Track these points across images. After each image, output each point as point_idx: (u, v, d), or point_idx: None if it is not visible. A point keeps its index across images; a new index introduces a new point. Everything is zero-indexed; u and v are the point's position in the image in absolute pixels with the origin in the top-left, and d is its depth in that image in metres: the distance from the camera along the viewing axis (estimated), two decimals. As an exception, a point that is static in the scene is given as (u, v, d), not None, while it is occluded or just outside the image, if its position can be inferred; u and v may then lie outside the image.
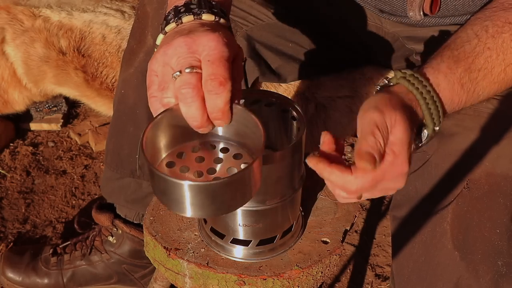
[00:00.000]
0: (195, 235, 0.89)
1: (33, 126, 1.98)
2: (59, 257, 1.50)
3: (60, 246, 1.52)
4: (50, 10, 1.68)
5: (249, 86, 1.18)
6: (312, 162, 0.73)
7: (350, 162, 0.74)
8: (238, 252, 0.86)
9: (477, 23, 0.86)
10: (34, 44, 1.67)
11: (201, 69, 0.70)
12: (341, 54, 1.27)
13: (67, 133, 1.98)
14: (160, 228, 0.90)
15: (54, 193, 1.80)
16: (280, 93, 1.04)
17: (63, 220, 1.72)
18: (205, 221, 0.88)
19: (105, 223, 1.42)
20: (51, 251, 1.51)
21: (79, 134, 1.95)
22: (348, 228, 0.91)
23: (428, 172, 0.99)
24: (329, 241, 0.89)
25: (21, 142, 1.94)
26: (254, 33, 1.19)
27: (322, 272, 0.87)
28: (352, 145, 1.96)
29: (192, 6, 0.77)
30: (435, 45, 1.12)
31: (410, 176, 0.78)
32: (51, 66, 1.69)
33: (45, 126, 1.98)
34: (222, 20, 0.78)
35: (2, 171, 1.84)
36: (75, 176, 1.85)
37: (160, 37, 0.78)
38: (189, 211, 0.69)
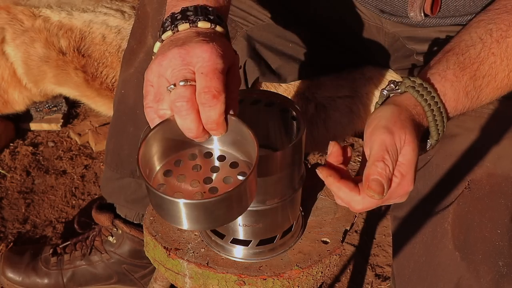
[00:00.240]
0: (195, 235, 0.89)
1: (33, 126, 1.98)
2: (59, 257, 1.50)
3: (60, 246, 1.52)
4: (50, 10, 1.68)
5: (249, 86, 1.18)
6: (323, 174, 0.76)
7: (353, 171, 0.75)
8: (238, 252, 0.85)
9: (481, 25, 0.85)
10: (34, 44, 1.67)
11: (195, 81, 0.70)
12: (341, 54, 1.27)
13: (67, 133, 1.98)
14: (160, 228, 0.90)
15: (54, 193, 1.80)
16: (280, 93, 1.04)
17: (63, 220, 1.72)
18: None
19: (105, 223, 1.42)
20: (51, 251, 1.51)
21: (79, 134, 1.95)
22: (348, 228, 0.91)
23: (429, 172, 0.99)
24: (329, 241, 0.89)
25: (21, 142, 1.94)
26: (254, 33, 1.19)
27: (322, 272, 0.87)
28: (352, 145, 1.96)
29: (188, 13, 0.78)
30: (435, 45, 1.12)
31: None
32: (51, 66, 1.69)
33: (45, 126, 1.98)
34: (218, 28, 0.78)
35: (2, 171, 1.84)
36: (75, 176, 1.85)
37: (157, 45, 0.79)
38: (185, 225, 0.70)
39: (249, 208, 0.81)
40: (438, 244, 0.93)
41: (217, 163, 0.77)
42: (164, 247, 0.87)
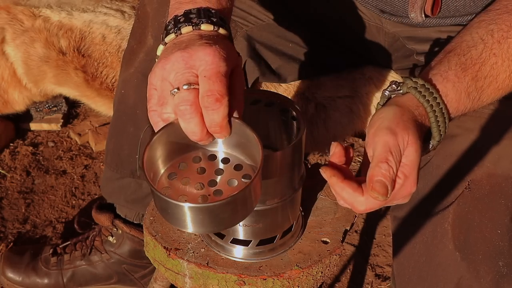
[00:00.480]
0: (195, 235, 0.89)
1: (33, 126, 1.98)
2: (59, 257, 1.50)
3: (60, 246, 1.52)
4: (50, 10, 1.68)
5: (249, 86, 1.18)
6: (326, 174, 0.76)
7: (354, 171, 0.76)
8: (238, 252, 0.85)
9: (482, 26, 0.85)
10: (34, 44, 1.67)
11: (198, 84, 0.71)
12: (341, 54, 1.27)
13: (67, 133, 1.98)
14: (160, 228, 0.90)
15: (54, 193, 1.80)
16: (280, 93, 1.04)
17: (63, 220, 1.72)
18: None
19: (105, 223, 1.42)
20: (51, 251, 1.51)
21: (79, 134, 1.95)
22: (348, 228, 0.91)
23: (429, 173, 0.99)
24: (329, 241, 0.89)
25: (21, 142, 1.94)
26: (254, 33, 1.19)
27: (322, 272, 0.87)
28: (352, 145, 1.96)
29: (191, 16, 0.78)
30: (435, 45, 1.12)
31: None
32: (51, 66, 1.69)
33: (45, 126, 1.98)
34: (221, 30, 0.78)
35: (2, 171, 1.84)
36: (75, 176, 1.85)
37: (160, 48, 0.79)
38: (190, 228, 0.71)
39: (249, 208, 0.82)
40: (438, 244, 0.93)
41: (221, 166, 0.77)
42: (164, 247, 0.87)
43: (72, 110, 2.04)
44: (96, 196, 1.78)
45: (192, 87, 0.70)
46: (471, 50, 0.83)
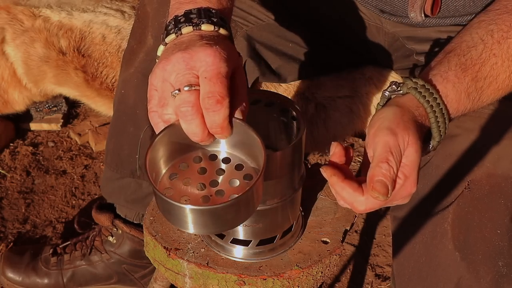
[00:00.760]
0: (195, 235, 0.89)
1: (33, 126, 1.98)
2: (59, 257, 1.50)
3: (60, 246, 1.52)
4: (50, 10, 1.68)
5: (249, 86, 1.18)
6: (327, 173, 0.76)
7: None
8: (238, 252, 0.85)
9: (481, 26, 0.85)
10: (34, 44, 1.67)
11: (199, 85, 0.71)
12: (341, 54, 1.27)
13: (67, 133, 1.98)
14: (160, 228, 0.90)
15: (54, 193, 1.80)
16: (280, 93, 1.04)
17: (63, 220, 1.72)
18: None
19: (105, 223, 1.42)
20: (51, 251, 1.51)
21: (79, 134, 1.95)
22: (348, 228, 0.91)
23: (429, 173, 0.99)
24: (329, 241, 0.89)
25: (21, 142, 1.94)
26: (254, 33, 1.19)
27: (322, 272, 0.87)
28: (352, 145, 1.96)
29: (191, 16, 0.78)
30: (435, 45, 1.12)
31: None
32: (51, 66, 1.69)
33: (45, 126, 1.98)
34: (222, 30, 0.78)
35: (2, 171, 1.84)
36: (75, 176, 1.85)
37: (161, 48, 0.79)
38: (192, 229, 0.71)
39: (249, 208, 0.82)
40: (438, 244, 0.93)
41: (222, 166, 0.77)
42: (164, 247, 0.87)
43: (72, 110, 2.04)
44: (96, 196, 1.78)
45: (193, 88, 0.70)
46: (471, 50, 0.83)
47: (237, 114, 0.73)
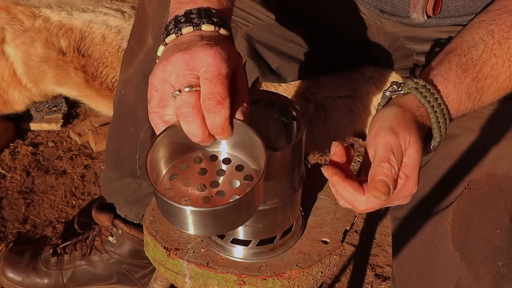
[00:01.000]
0: (195, 235, 0.89)
1: (33, 126, 1.98)
2: (59, 257, 1.50)
3: (60, 246, 1.52)
4: (50, 10, 1.68)
5: (249, 86, 1.18)
6: (328, 173, 0.75)
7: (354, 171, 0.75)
8: (238, 252, 0.86)
9: (482, 26, 0.85)
10: (34, 44, 1.67)
11: (199, 86, 0.71)
12: (341, 54, 1.27)
13: (67, 133, 1.98)
14: (160, 228, 0.90)
15: (54, 193, 1.80)
16: (280, 93, 1.04)
17: (63, 220, 1.72)
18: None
19: (105, 223, 1.42)
20: (51, 251, 1.51)
21: (79, 134, 1.95)
22: (348, 228, 0.91)
23: (429, 173, 0.99)
24: (329, 241, 0.89)
25: (21, 142, 1.94)
26: (254, 33, 1.19)
27: (322, 272, 0.87)
28: (352, 145, 1.96)
29: (192, 16, 0.77)
30: (435, 45, 1.12)
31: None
32: (51, 66, 1.69)
33: (45, 126, 1.98)
34: (222, 30, 0.78)
35: (2, 171, 1.84)
36: (75, 176, 1.85)
37: (161, 48, 0.79)
38: (192, 230, 0.71)
39: (249, 208, 0.82)
40: (438, 244, 0.93)
41: (223, 167, 0.77)
42: (164, 247, 0.87)
43: (72, 110, 2.04)
44: (96, 196, 1.78)
45: (193, 89, 0.70)
46: (472, 50, 0.83)
47: (238, 115, 0.73)
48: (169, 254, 0.86)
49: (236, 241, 0.85)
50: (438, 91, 0.80)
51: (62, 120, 1.98)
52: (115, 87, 1.62)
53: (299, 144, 0.80)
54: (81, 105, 2.01)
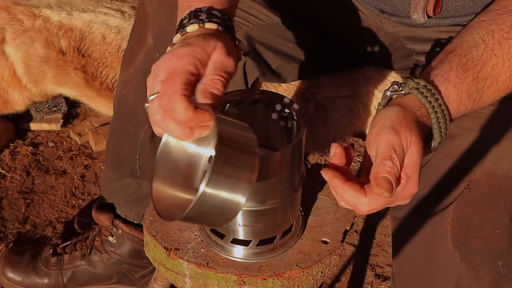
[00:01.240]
0: (195, 235, 0.89)
1: (33, 126, 1.98)
2: (59, 257, 1.50)
3: (60, 246, 1.52)
4: (50, 10, 1.68)
5: (249, 86, 1.18)
6: (328, 176, 0.75)
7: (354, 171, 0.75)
8: (238, 252, 0.86)
9: (482, 26, 0.85)
10: (34, 44, 1.67)
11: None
12: (341, 54, 1.27)
13: (67, 133, 1.98)
14: (160, 228, 0.90)
15: (54, 193, 1.80)
16: (280, 93, 1.04)
17: (63, 220, 1.72)
18: (205, 221, 0.88)
19: (105, 223, 1.42)
20: (51, 251, 1.51)
21: (79, 134, 1.95)
22: (348, 228, 0.91)
23: (429, 173, 0.99)
24: (329, 241, 0.89)
25: (21, 142, 1.94)
26: (254, 33, 1.19)
27: (322, 272, 0.87)
28: (352, 145, 1.96)
29: (184, 21, 0.81)
30: (435, 45, 1.12)
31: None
32: (51, 66, 1.69)
33: (45, 126, 1.98)
34: (208, 24, 0.78)
35: (2, 171, 1.84)
36: (75, 176, 1.85)
37: (178, 36, 0.81)
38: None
39: (249, 208, 0.81)
40: (437, 244, 0.93)
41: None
42: (164, 247, 0.87)
43: (72, 110, 2.04)
44: (96, 196, 1.78)
45: (156, 95, 0.72)
46: (472, 50, 0.83)
47: (206, 97, 0.73)
48: (169, 254, 0.86)
49: (236, 241, 0.85)
50: (439, 92, 0.80)
51: (62, 120, 1.98)
52: (115, 87, 1.62)
53: (299, 144, 0.80)
54: (81, 105, 2.01)
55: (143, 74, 1.22)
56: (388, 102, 0.82)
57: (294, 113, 0.85)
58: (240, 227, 0.84)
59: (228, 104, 0.86)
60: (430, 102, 0.79)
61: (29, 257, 1.52)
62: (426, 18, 1.04)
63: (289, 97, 0.86)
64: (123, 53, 1.37)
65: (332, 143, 0.78)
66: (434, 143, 0.81)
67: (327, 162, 0.79)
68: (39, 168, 1.86)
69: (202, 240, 0.88)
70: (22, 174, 1.84)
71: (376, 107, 0.84)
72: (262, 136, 0.90)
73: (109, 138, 1.37)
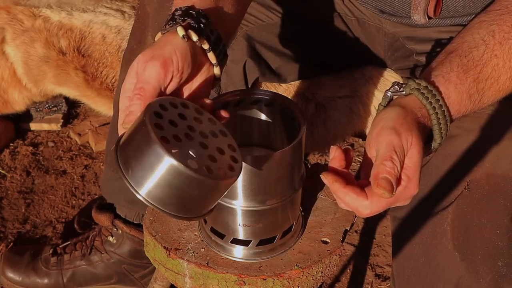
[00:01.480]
0: (195, 235, 0.89)
1: (33, 126, 1.98)
2: (59, 257, 1.50)
3: (60, 246, 1.52)
4: (50, 10, 1.68)
5: (249, 86, 1.18)
6: (328, 180, 0.75)
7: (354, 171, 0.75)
8: (238, 252, 0.86)
9: (483, 26, 0.85)
10: (34, 44, 1.67)
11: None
12: (341, 54, 1.27)
13: (67, 133, 1.98)
14: (160, 228, 0.90)
15: (54, 193, 1.80)
16: (280, 93, 1.04)
17: (63, 220, 1.72)
18: (205, 221, 0.88)
19: (105, 223, 1.42)
20: (51, 251, 1.51)
21: (79, 134, 1.95)
22: (348, 228, 0.91)
23: (429, 173, 0.99)
24: (329, 241, 0.89)
25: (21, 142, 1.94)
26: (254, 33, 1.19)
27: (322, 272, 0.87)
28: (352, 145, 1.96)
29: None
30: (435, 45, 1.12)
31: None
32: (51, 66, 1.69)
33: (45, 126, 1.98)
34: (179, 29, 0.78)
35: (2, 171, 1.84)
36: (75, 176, 1.85)
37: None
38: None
39: (249, 208, 0.82)
40: (437, 244, 0.93)
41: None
42: (164, 247, 0.87)
43: (72, 110, 2.04)
44: (96, 196, 1.78)
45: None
46: (473, 51, 0.83)
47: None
48: (169, 254, 0.86)
49: (236, 241, 0.85)
50: (440, 93, 0.80)
51: (62, 120, 1.98)
52: (115, 87, 1.62)
53: (299, 144, 0.80)
54: (81, 105, 2.01)
55: (143, 74, 1.21)
56: (388, 102, 0.82)
57: (294, 113, 0.85)
58: (240, 227, 0.84)
59: (229, 104, 0.86)
60: (431, 103, 0.79)
61: (29, 257, 1.52)
62: (427, 19, 1.04)
63: (289, 97, 0.86)
64: (123, 53, 1.37)
65: (331, 146, 0.78)
66: (434, 144, 0.81)
67: (327, 162, 0.79)
68: (39, 168, 1.86)
69: (202, 240, 0.88)
70: (22, 174, 1.84)
71: (376, 107, 0.84)
72: (262, 136, 0.90)
73: (109, 138, 1.37)
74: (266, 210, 0.82)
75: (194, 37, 0.77)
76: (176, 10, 0.81)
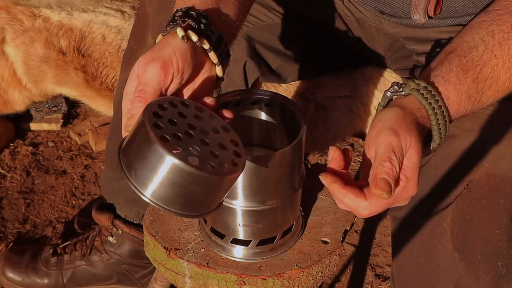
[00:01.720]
0: (195, 235, 0.89)
1: (33, 126, 1.98)
2: (59, 257, 1.50)
3: (60, 246, 1.52)
4: (50, 10, 1.68)
5: (249, 86, 1.18)
6: (327, 181, 0.75)
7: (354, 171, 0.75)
8: (238, 252, 0.86)
9: (482, 27, 0.85)
10: (34, 44, 1.67)
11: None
12: (341, 54, 1.27)
13: (67, 133, 1.98)
14: (160, 228, 0.90)
15: (54, 193, 1.80)
16: (280, 93, 1.04)
17: (63, 220, 1.72)
18: (205, 221, 0.88)
19: (105, 223, 1.42)
20: (51, 251, 1.51)
21: (79, 134, 1.95)
22: (348, 228, 0.91)
23: (428, 173, 0.99)
24: (329, 241, 0.89)
25: (21, 142, 1.94)
26: (254, 34, 1.19)
27: (322, 272, 0.87)
28: (352, 145, 1.96)
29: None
30: (435, 45, 1.12)
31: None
32: (51, 66, 1.69)
33: (45, 126, 1.98)
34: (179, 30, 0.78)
35: (2, 171, 1.84)
36: (75, 176, 1.85)
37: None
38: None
39: (249, 208, 0.82)
40: (437, 244, 0.93)
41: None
42: (164, 247, 0.87)
43: (72, 110, 2.04)
44: (96, 196, 1.78)
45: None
46: (472, 51, 0.83)
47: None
48: (169, 254, 0.86)
49: (236, 241, 0.85)
50: (439, 93, 0.80)
51: (62, 120, 1.98)
52: (115, 87, 1.62)
53: (299, 144, 0.80)
54: (81, 105, 2.01)
55: (143, 74, 1.22)
56: (388, 102, 0.82)
57: (294, 113, 0.85)
58: (240, 227, 0.84)
59: (229, 104, 0.86)
60: (430, 103, 0.79)
61: (29, 257, 1.52)
62: (427, 19, 1.04)
63: (289, 97, 0.86)
64: (123, 53, 1.37)
65: (330, 147, 0.78)
66: (433, 145, 0.81)
67: (327, 162, 0.79)
68: (39, 168, 1.86)
69: (202, 240, 0.88)
70: (22, 174, 1.84)
71: (376, 107, 0.84)
72: (262, 136, 0.90)
73: (109, 138, 1.37)
74: (266, 210, 0.82)
75: (194, 38, 0.78)
76: (176, 11, 0.81)
